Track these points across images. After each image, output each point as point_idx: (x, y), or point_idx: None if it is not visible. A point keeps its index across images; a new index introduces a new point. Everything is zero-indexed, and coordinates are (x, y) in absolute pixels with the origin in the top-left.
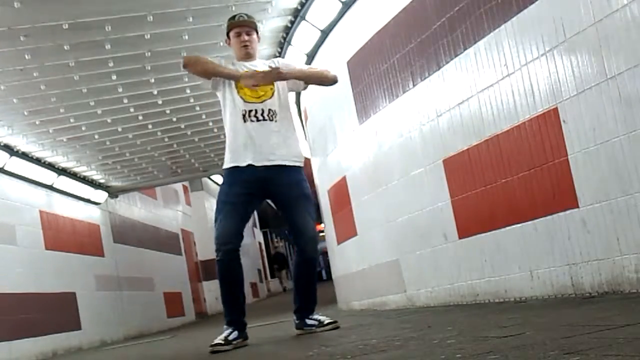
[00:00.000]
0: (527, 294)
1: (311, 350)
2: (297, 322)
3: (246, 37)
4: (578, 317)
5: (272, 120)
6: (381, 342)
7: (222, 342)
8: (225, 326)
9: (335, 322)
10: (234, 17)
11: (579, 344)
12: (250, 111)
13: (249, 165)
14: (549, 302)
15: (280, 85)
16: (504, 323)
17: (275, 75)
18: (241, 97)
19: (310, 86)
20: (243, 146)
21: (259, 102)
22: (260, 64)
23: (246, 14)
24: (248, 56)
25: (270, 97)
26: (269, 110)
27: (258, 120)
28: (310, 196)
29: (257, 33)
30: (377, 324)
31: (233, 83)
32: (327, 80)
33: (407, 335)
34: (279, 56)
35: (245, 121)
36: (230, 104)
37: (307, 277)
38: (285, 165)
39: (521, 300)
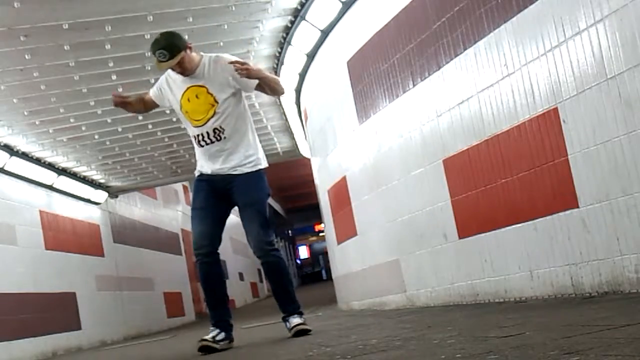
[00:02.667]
0: (527, 294)
1: (311, 350)
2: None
3: (178, 69)
4: (578, 317)
5: (219, 139)
6: (381, 342)
7: (211, 339)
8: (211, 327)
9: (299, 325)
10: (154, 50)
11: (579, 344)
12: (199, 135)
13: (209, 173)
14: (549, 302)
15: (223, 95)
16: (504, 323)
17: (249, 72)
18: (189, 121)
19: (309, 86)
20: (203, 159)
21: (202, 125)
22: (202, 71)
23: (164, 46)
24: (186, 75)
25: (213, 115)
26: (214, 130)
27: (207, 143)
28: (260, 201)
29: (184, 50)
30: (377, 324)
31: (179, 108)
32: (280, 89)
33: (407, 335)
34: (279, 56)
35: (200, 145)
36: (186, 127)
37: (274, 281)
38: (238, 174)
39: (521, 300)
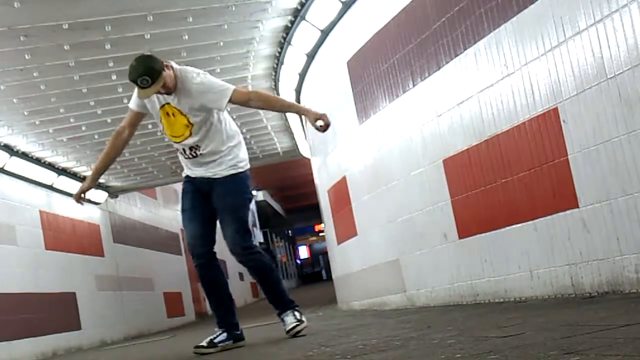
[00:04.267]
0: (527, 294)
1: (311, 351)
2: None
3: (163, 91)
4: (578, 317)
5: (196, 156)
6: (381, 342)
7: (206, 345)
8: (216, 328)
9: (294, 328)
10: (134, 79)
11: (579, 344)
12: (179, 148)
13: (192, 175)
14: (549, 302)
15: (195, 117)
16: (504, 323)
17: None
18: (168, 135)
19: (309, 86)
20: (185, 166)
21: (181, 142)
22: (179, 91)
23: (144, 73)
24: (170, 94)
25: (189, 136)
26: (190, 148)
27: (187, 157)
28: (237, 206)
29: (162, 70)
30: (377, 324)
31: (159, 119)
32: None
33: (407, 335)
34: (279, 56)
35: (182, 155)
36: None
37: (260, 283)
38: (218, 177)
39: (521, 300)
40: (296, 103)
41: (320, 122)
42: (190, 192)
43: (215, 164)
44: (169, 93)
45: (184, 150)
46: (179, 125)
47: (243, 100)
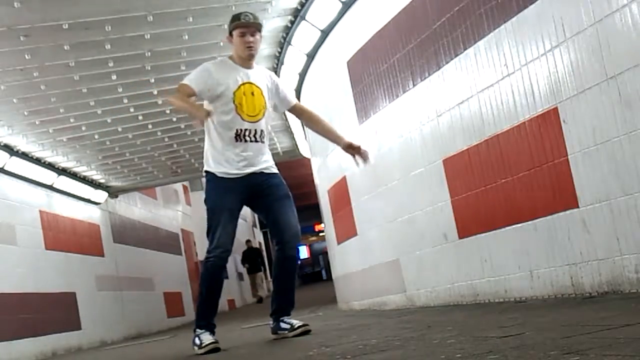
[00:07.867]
0: (527, 294)
1: (311, 350)
2: (272, 325)
3: (251, 39)
4: (578, 317)
5: (261, 141)
6: (381, 342)
7: (215, 341)
8: (198, 330)
9: (305, 325)
10: (239, 15)
11: (579, 344)
12: (245, 130)
13: (239, 175)
14: (549, 302)
15: (269, 104)
16: (504, 323)
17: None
18: (239, 115)
19: (309, 86)
20: (233, 157)
21: (254, 122)
22: (257, 72)
23: (252, 14)
24: (250, 57)
25: (262, 117)
26: (261, 131)
27: (251, 140)
28: (292, 197)
29: (261, 32)
30: (377, 324)
31: (231, 99)
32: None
33: (407, 335)
34: (279, 56)
35: (237, 140)
36: (224, 118)
37: (288, 276)
38: (267, 172)
39: (521, 300)
40: (337, 132)
41: (359, 158)
42: (231, 192)
43: (269, 158)
44: (250, 51)
45: (255, 131)
46: (259, 105)
47: (299, 110)
